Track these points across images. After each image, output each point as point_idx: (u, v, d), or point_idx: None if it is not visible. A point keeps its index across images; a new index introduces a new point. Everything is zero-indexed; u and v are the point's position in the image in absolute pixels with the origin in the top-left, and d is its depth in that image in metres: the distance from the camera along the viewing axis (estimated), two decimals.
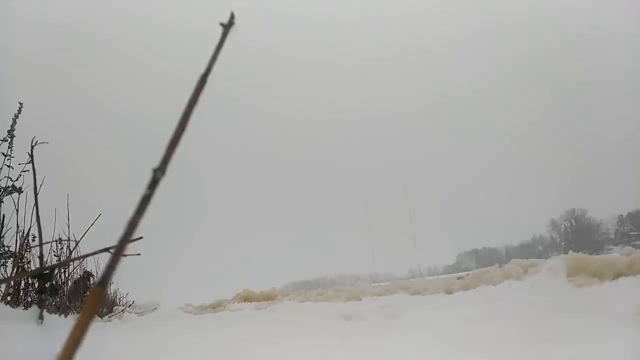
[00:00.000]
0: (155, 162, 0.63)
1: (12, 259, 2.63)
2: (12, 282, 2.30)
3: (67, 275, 3.43)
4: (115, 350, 1.56)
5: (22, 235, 2.54)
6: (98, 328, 2.59)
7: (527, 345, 1.14)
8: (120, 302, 5.98)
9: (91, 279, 3.56)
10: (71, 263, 3.37)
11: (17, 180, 2.79)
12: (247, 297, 6.51)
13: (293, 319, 2.36)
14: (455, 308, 2.01)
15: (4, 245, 2.71)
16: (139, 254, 1.42)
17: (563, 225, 61.56)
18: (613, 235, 56.67)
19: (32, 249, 2.53)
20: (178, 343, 1.75)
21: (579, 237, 56.00)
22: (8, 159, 2.81)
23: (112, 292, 5.79)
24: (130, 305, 6.05)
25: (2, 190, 2.74)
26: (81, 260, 3.43)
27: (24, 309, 1.82)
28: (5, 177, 2.78)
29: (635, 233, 52.90)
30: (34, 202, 1.72)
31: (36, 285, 2.09)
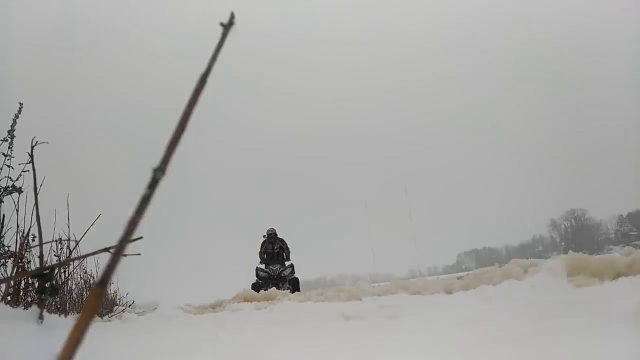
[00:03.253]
0: (155, 162, 0.63)
1: (12, 259, 2.64)
2: (12, 282, 2.30)
3: (67, 275, 3.43)
4: (115, 350, 1.56)
5: (22, 235, 2.54)
6: (98, 328, 2.59)
7: (527, 345, 1.14)
8: (120, 302, 5.98)
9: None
10: (71, 263, 3.37)
11: (17, 180, 2.79)
12: (247, 297, 6.50)
13: (293, 319, 2.36)
14: (455, 308, 2.01)
15: (4, 245, 2.71)
16: (139, 254, 1.42)
17: (563, 225, 61.60)
18: (613, 235, 56.72)
19: (32, 249, 2.53)
20: (178, 343, 1.75)
21: (579, 237, 56.06)
22: (8, 159, 2.82)
23: (112, 292, 5.80)
24: (130, 305, 6.05)
25: (2, 190, 2.74)
26: (81, 260, 3.43)
27: (24, 309, 1.82)
28: (5, 177, 2.78)
29: (635, 233, 52.93)
30: (34, 202, 1.72)
31: (36, 285, 2.09)
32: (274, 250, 11.42)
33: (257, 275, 11.06)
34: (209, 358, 1.44)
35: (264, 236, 11.64)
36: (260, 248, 11.60)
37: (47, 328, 1.31)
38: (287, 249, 11.57)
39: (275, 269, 10.99)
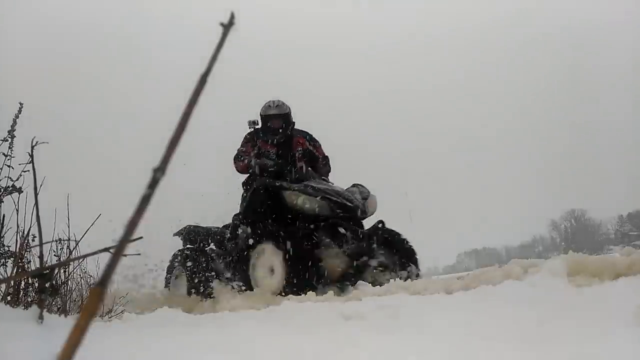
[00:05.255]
0: (155, 162, 0.63)
1: (12, 259, 2.64)
2: (12, 282, 2.30)
3: (67, 275, 3.43)
4: (115, 350, 1.56)
5: (22, 235, 2.54)
6: (98, 328, 2.59)
7: (527, 346, 1.14)
8: (120, 302, 5.97)
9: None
10: (71, 263, 3.37)
11: (17, 180, 2.79)
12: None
13: (293, 318, 2.36)
14: (455, 308, 2.01)
15: (4, 245, 2.71)
16: (139, 254, 1.42)
17: (563, 225, 61.57)
18: (613, 235, 56.72)
19: (32, 249, 2.53)
20: (178, 343, 1.75)
21: (579, 237, 56.03)
22: (8, 159, 2.81)
23: (112, 292, 5.79)
24: None
25: (2, 190, 2.74)
26: (81, 260, 3.43)
27: (24, 309, 1.82)
28: (5, 177, 2.78)
29: (635, 233, 52.93)
30: (34, 202, 1.72)
31: (36, 285, 2.09)
32: (290, 148, 4.56)
33: (254, 194, 4.34)
34: (209, 358, 1.44)
35: (253, 123, 4.72)
36: (244, 146, 4.74)
37: (47, 328, 1.31)
38: (323, 156, 4.73)
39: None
